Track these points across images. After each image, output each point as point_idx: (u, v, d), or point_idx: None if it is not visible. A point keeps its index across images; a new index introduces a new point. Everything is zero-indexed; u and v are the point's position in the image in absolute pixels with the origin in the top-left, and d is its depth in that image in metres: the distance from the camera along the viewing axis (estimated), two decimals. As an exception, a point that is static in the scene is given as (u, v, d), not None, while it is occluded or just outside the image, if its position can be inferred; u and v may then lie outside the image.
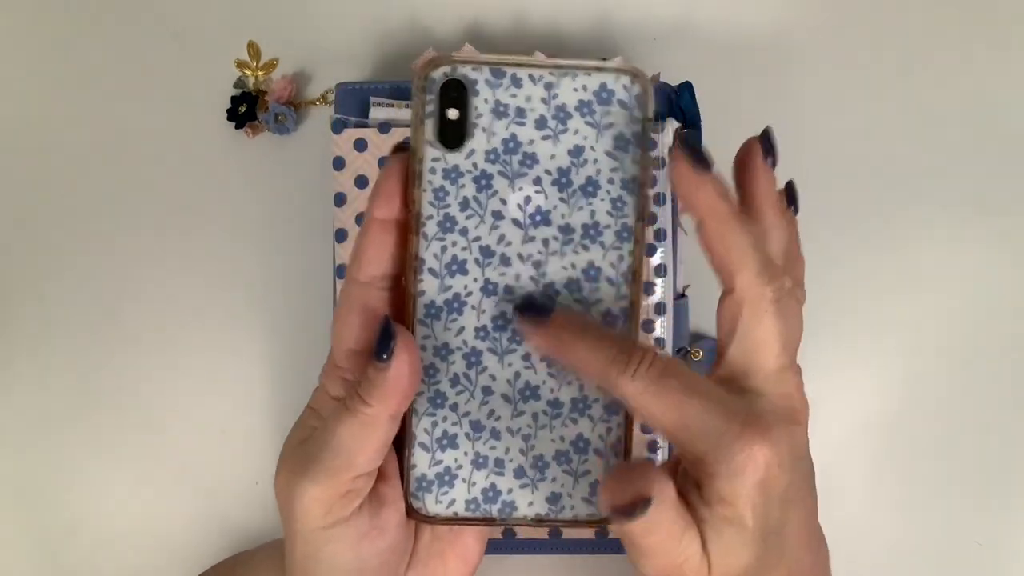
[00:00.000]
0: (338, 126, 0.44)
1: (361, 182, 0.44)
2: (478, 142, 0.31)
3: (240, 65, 0.49)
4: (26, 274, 0.49)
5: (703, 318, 0.46)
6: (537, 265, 0.32)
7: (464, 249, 0.31)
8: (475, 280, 0.32)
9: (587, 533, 0.44)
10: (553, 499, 0.33)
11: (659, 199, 0.43)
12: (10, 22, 0.50)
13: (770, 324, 0.30)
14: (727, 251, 0.29)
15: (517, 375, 0.32)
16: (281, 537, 0.33)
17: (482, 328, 0.32)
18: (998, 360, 0.47)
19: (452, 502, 0.33)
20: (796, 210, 0.34)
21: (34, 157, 0.49)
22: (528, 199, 0.31)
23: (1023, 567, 0.47)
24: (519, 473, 0.32)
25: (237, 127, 0.49)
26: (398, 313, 0.32)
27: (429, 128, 0.31)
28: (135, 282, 0.49)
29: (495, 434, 0.32)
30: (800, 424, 0.30)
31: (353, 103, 0.45)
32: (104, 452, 0.48)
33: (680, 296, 0.45)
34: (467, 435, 0.32)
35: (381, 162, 0.44)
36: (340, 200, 0.44)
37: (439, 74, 0.30)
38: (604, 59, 0.34)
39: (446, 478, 0.32)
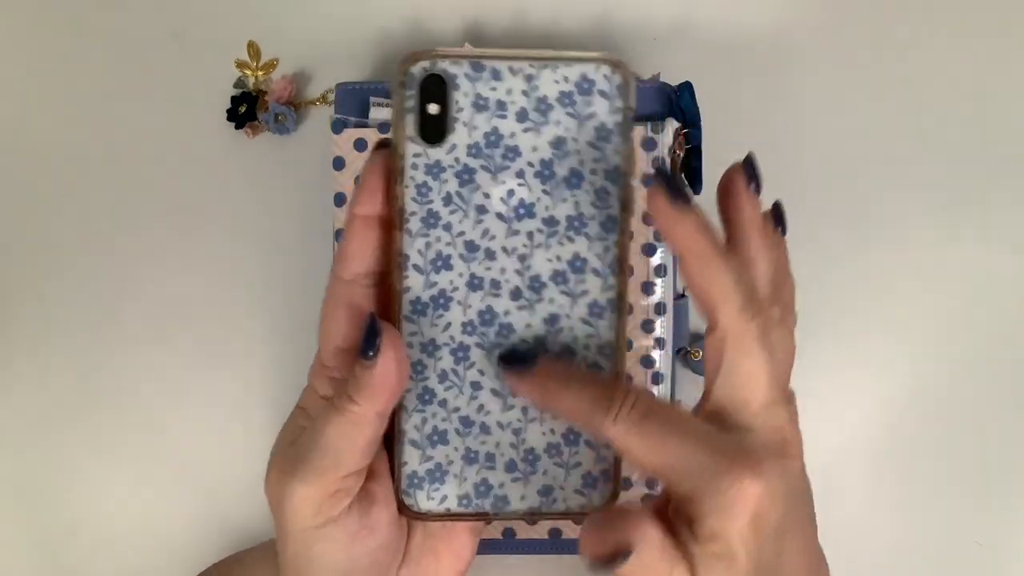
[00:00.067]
0: (338, 126, 0.44)
1: (361, 182, 0.44)
2: (459, 136, 0.31)
3: (240, 65, 0.49)
4: (26, 274, 0.49)
5: (703, 318, 0.46)
6: (522, 258, 0.31)
7: (448, 244, 0.31)
8: (460, 275, 0.32)
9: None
10: (545, 492, 0.33)
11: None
12: (10, 22, 0.50)
13: (756, 360, 0.29)
14: (708, 288, 0.29)
15: None
16: (279, 537, 0.33)
17: (469, 323, 0.32)
18: (998, 360, 0.47)
19: (444, 498, 0.33)
20: (784, 231, 0.33)
21: (34, 157, 0.49)
22: (511, 192, 0.31)
23: (1023, 567, 0.47)
24: (510, 467, 0.32)
25: (237, 127, 0.49)
26: (384, 310, 0.32)
27: (410, 124, 0.31)
28: (135, 282, 0.49)
29: (485, 429, 0.32)
30: (792, 457, 0.30)
31: (353, 103, 0.45)
32: (104, 452, 0.48)
33: (680, 296, 0.45)
34: (457, 431, 0.32)
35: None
36: (340, 200, 0.44)
37: (418, 69, 0.30)
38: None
39: (437, 474, 0.32)
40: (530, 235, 0.31)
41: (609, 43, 0.49)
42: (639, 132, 0.43)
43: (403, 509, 0.33)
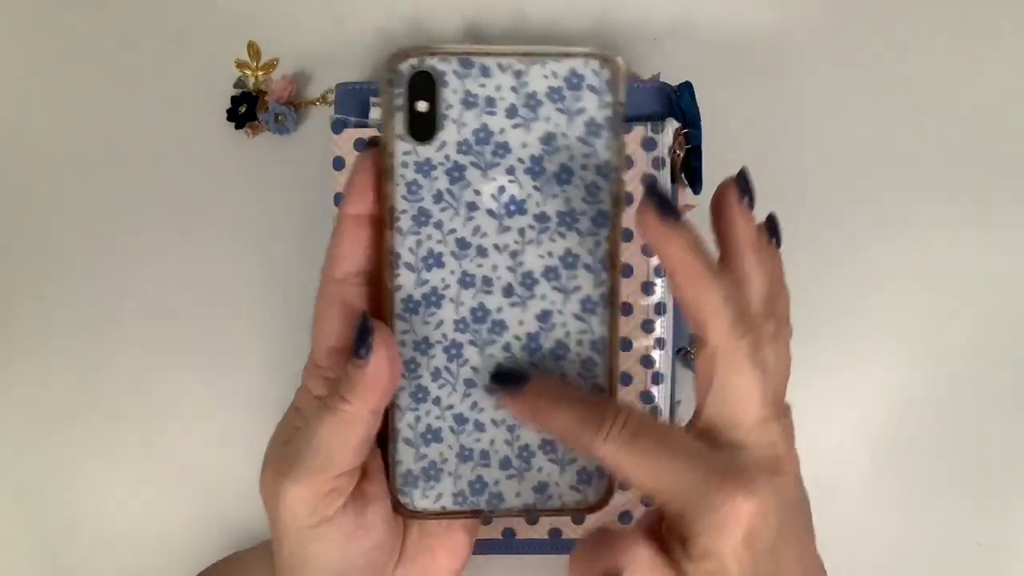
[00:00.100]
0: (338, 126, 0.44)
1: (361, 182, 0.44)
2: (449, 134, 0.31)
3: (240, 65, 0.49)
4: (26, 274, 0.49)
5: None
6: (514, 255, 0.31)
7: (440, 242, 0.31)
8: (452, 273, 0.31)
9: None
10: (540, 488, 0.33)
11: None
12: (10, 22, 0.50)
13: (747, 377, 0.29)
14: (698, 305, 0.29)
15: (499, 366, 0.32)
16: (278, 537, 0.33)
17: (461, 320, 0.32)
18: (998, 360, 0.47)
19: (439, 496, 0.33)
20: (778, 243, 0.33)
21: (34, 157, 0.49)
22: (502, 189, 0.31)
23: (1023, 567, 0.47)
24: (505, 464, 0.32)
25: (237, 127, 0.49)
26: (376, 309, 0.32)
27: (399, 122, 0.31)
28: (135, 282, 0.49)
29: (479, 426, 0.32)
30: (785, 472, 0.30)
31: (353, 103, 0.45)
32: (104, 452, 0.48)
33: (680, 296, 0.45)
34: (451, 428, 0.32)
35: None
36: (340, 200, 0.44)
37: (407, 67, 0.30)
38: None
39: (432, 472, 0.32)
40: (521, 231, 0.31)
41: (609, 43, 0.49)
42: (639, 132, 0.43)
43: (398, 508, 0.33)
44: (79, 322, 0.48)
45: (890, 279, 0.48)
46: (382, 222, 0.31)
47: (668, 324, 0.43)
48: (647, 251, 0.43)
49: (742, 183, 0.31)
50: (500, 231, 0.31)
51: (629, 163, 0.42)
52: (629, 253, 0.42)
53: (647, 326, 0.43)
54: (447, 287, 0.32)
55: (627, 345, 0.43)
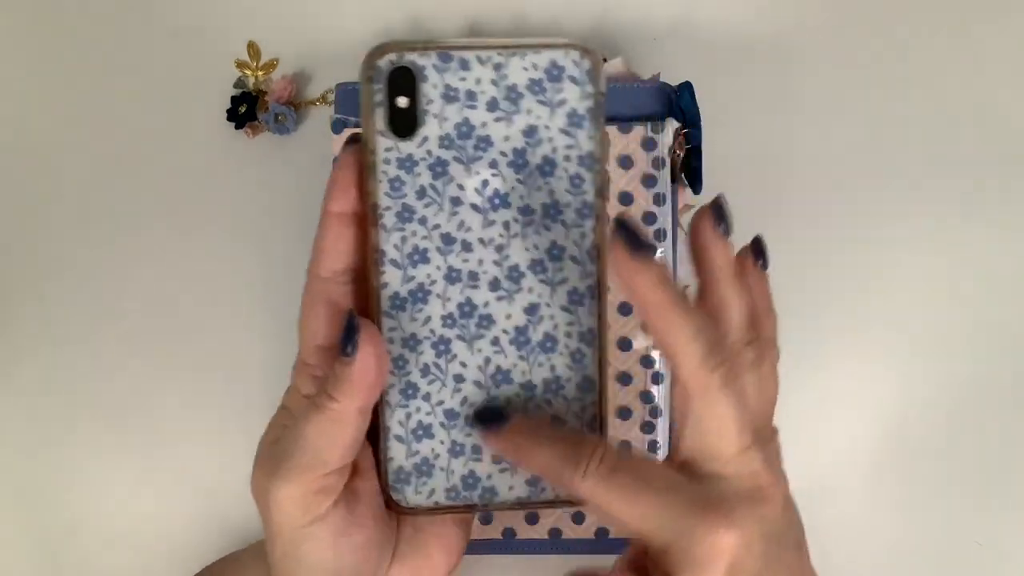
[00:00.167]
0: (338, 126, 0.44)
1: (361, 182, 0.44)
2: (430, 129, 0.31)
3: (240, 65, 0.49)
4: (26, 274, 0.49)
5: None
6: (499, 249, 0.31)
7: (425, 238, 0.31)
8: (438, 268, 0.31)
9: (586, 532, 0.44)
10: (533, 481, 0.33)
11: (660, 199, 0.43)
12: (10, 22, 0.50)
13: (723, 409, 0.29)
14: (668, 340, 0.29)
15: (487, 360, 0.32)
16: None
17: (448, 316, 0.32)
18: (998, 360, 0.47)
19: (432, 492, 0.33)
20: (765, 265, 0.33)
21: (34, 157, 0.49)
22: (485, 183, 0.31)
23: (1023, 567, 0.47)
24: (497, 458, 0.32)
25: (237, 127, 0.49)
26: (363, 306, 0.32)
27: (379, 118, 0.30)
28: (135, 282, 0.49)
29: (470, 421, 0.32)
30: (770, 500, 0.29)
31: (353, 103, 0.45)
32: (104, 452, 0.48)
33: (680, 296, 0.45)
34: (442, 424, 0.32)
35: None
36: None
37: (385, 62, 0.30)
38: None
39: (424, 468, 0.32)
40: (506, 225, 0.31)
41: (609, 43, 0.49)
42: (639, 132, 0.43)
43: (391, 505, 0.33)
44: (79, 322, 0.48)
45: (890, 279, 0.48)
46: (366, 219, 0.31)
47: (668, 324, 0.43)
48: (648, 220, 0.43)
49: (717, 211, 0.31)
50: (485, 225, 0.31)
51: (629, 163, 0.42)
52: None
53: (647, 326, 0.43)
54: (433, 283, 0.32)
55: (627, 345, 0.43)
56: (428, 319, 0.32)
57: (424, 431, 0.32)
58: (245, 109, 0.48)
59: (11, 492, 0.48)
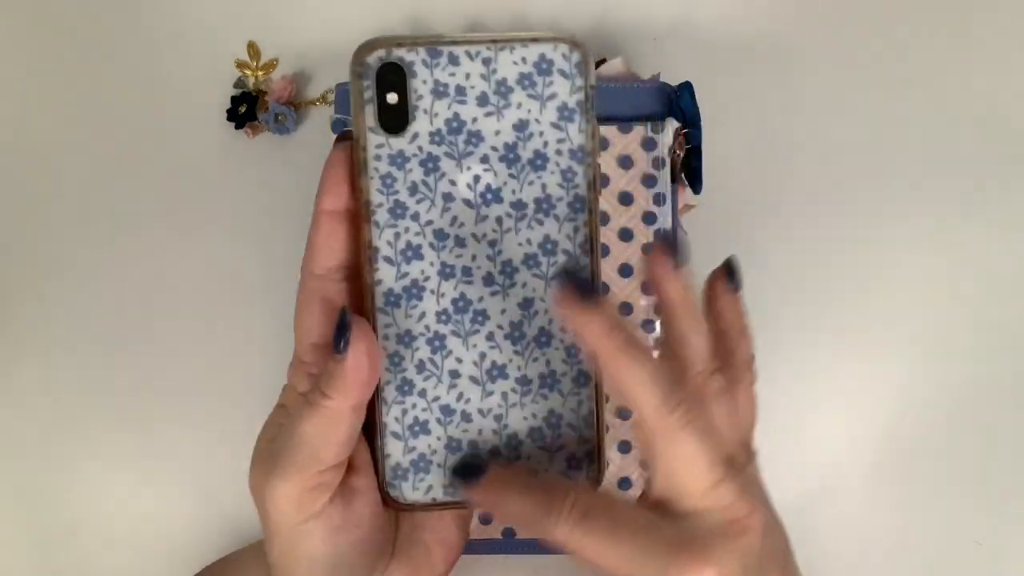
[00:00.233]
0: (338, 126, 0.44)
1: (361, 182, 0.44)
2: (421, 125, 0.31)
3: (240, 65, 0.49)
4: (26, 274, 0.49)
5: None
6: (492, 244, 0.31)
7: (417, 234, 0.31)
8: (431, 264, 0.31)
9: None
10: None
11: (660, 199, 0.43)
12: (10, 22, 0.50)
13: (687, 448, 0.29)
14: (624, 387, 0.29)
15: (483, 356, 0.32)
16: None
17: (443, 312, 0.32)
18: (998, 360, 0.47)
19: (429, 488, 0.33)
20: (737, 287, 0.33)
21: (34, 157, 0.49)
22: (477, 178, 0.31)
23: (1023, 567, 0.47)
24: (494, 453, 0.32)
25: (237, 127, 0.49)
26: (358, 304, 0.32)
27: (369, 115, 0.30)
28: (135, 282, 0.48)
29: (466, 416, 0.32)
30: (746, 532, 0.29)
31: (353, 103, 0.45)
32: (104, 452, 0.48)
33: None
34: (438, 420, 0.32)
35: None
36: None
37: (374, 59, 0.30)
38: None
39: (421, 464, 0.32)
40: (499, 220, 0.31)
41: (609, 43, 0.49)
42: (639, 132, 0.43)
43: (388, 502, 0.33)
44: (79, 322, 0.48)
45: (890, 279, 0.48)
46: (359, 216, 0.31)
47: (668, 324, 0.43)
48: (648, 220, 0.43)
49: (667, 245, 0.31)
50: (477, 220, 0.31)
51: (629, 163, 0.42)
52: (629, 252, 0.42)
53: (647, 326, 0.43)
54: (427, 279, 0.32)
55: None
56: (422, 315, 0.32)
57: (420, 427, 0.32)
58: (245, 109, 0.48)
59: (11, 492, 0.48)
